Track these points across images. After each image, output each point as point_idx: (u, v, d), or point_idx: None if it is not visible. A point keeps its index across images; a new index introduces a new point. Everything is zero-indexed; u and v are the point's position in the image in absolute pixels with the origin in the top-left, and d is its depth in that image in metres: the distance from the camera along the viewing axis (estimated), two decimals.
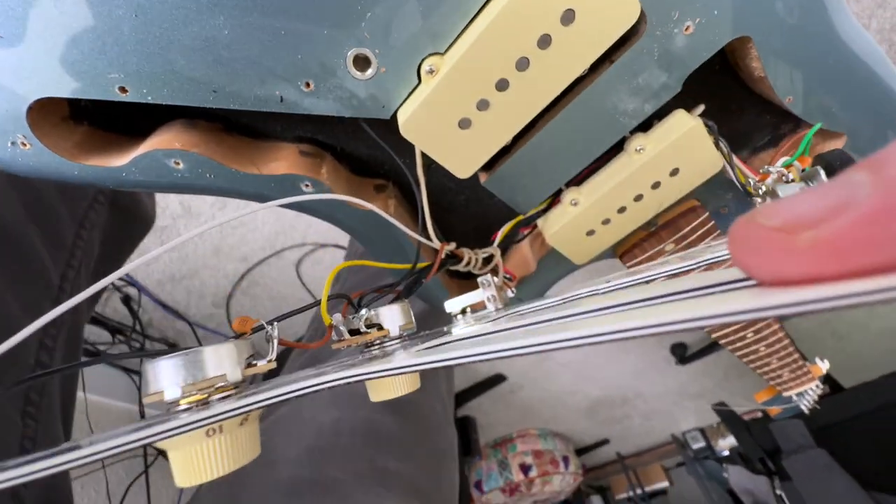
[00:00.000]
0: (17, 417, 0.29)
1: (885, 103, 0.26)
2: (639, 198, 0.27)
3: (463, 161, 0.23)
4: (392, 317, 0.18)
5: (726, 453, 1.27)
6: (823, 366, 0.46)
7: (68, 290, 0.34)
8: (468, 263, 0.27)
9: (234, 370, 0.13)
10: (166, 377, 0.12)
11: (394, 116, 0.21)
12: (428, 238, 0.25)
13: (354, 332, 0.17)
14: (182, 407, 0.12)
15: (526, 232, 0.31)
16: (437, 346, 0.12)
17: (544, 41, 0.19)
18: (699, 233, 0.30)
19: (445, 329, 0.20)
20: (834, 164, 0.20)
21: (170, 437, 0.10)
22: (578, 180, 0.27)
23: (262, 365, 0.13)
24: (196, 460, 0.11)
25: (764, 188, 0.24)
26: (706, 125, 0.25)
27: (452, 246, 0.26)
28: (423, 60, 0.19)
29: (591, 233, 0.28)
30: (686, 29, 0.20)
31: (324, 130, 0.26)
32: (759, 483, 0.88)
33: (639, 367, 1.31)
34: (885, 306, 0.06)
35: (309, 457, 0.35)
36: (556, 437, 1.53)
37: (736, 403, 1.02)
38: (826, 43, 0.22)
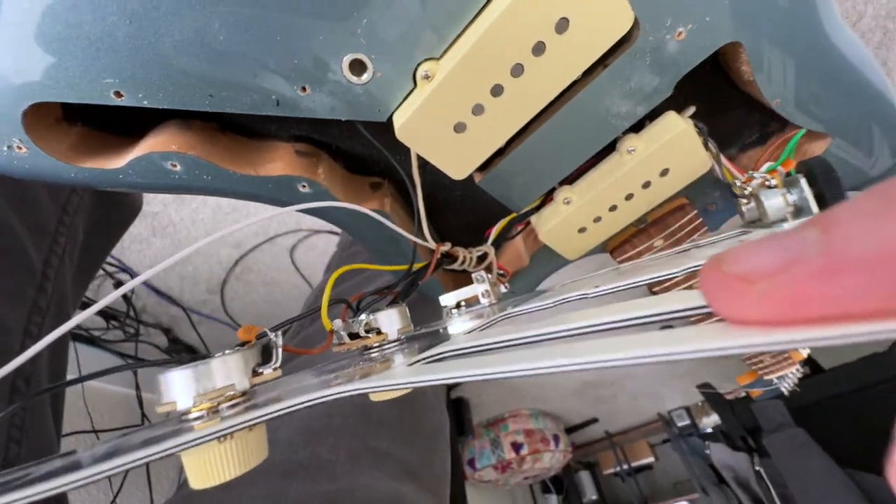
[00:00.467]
0: (2, 404, 0.29)
1: (871, 103, 0.26)
2: (630, 196, 0.27)
3: (458, 163, 0.23)
4: (390, 321, 0.19)
5: (709, 430, 1.32)
6: (804, 350, 0.48)
7: (52, 276, 0.34)
8: (463, 262, 0.27)
9: (242, 379, 0.13)
10: (178, 388, 0.13)
11: (389, 118, 0.21)
12: (424, 238, 0.25)
13: (354, 335, 0.18)
14: (194, 415, 0.13)
15: (520, 228, 0.31)
16: (436, 356, 0.13)
17: (539, 48, 0.19)
18: (687, 229, 0.30)
19: (441, 330, 0.21)
20: (814, 172, 0.21)
21: (186, 448, 0.11)
22: (571, 179, 0.28)
23: (269, 374, 0.14)
24: (209, 465, 0.12)
25: (749, 189, 0.24)
26: (696, 127, 0.25)
27: (447, 246, 0.26)
28: (418, 66, 0.19)
29: (583, 230, 0.29)
30: (678, 35, 0.20)
31: (319, 129, 0.26)
32: (740, 459, 0.92)
33: None
34: None
35: (302, 438, 0.35)
36: (546, 416, 1.57)
37: (720, 385, 1.05)
38: (815, 49, 0.22)
